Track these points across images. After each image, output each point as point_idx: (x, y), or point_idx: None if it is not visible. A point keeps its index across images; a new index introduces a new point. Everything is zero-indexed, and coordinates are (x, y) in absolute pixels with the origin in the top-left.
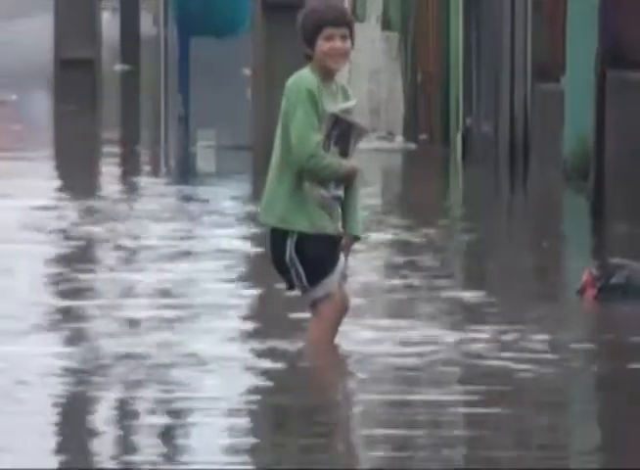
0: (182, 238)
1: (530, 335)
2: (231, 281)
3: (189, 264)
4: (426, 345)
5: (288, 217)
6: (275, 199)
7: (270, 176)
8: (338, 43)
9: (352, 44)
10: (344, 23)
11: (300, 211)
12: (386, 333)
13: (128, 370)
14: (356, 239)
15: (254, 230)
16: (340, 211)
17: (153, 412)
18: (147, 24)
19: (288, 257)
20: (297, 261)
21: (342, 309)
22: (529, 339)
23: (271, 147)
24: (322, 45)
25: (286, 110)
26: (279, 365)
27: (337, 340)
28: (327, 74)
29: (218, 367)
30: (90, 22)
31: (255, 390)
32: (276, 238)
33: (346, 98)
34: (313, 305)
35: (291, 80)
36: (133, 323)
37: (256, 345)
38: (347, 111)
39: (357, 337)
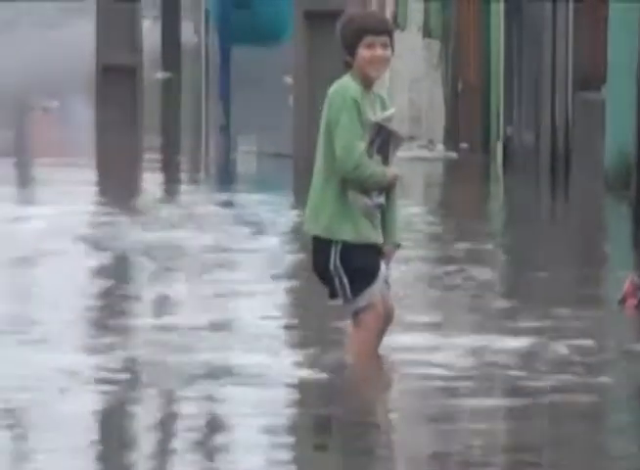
0: (222, 247)
1: (571, 343)
2: (272, 291)
3: (229, 274)
4: (471, 354)
5: (333, 226)
6: (319, 208)
7: (313, 185)
8: (378, 51)
9: (392, 52)
10: (385, 30)
11: (345, 219)
12: (432, 342)
13: (169, 382)
14: (397, 247)
15: (295, 238)
16: (380, 218)
17: (192, 428)
18: (188, 32)
19: (332, 266)
20: (342, 271)
21: (386, 319)
22: (570, 347)
23: (313, 155)
24: (363, 53)
25: (329, 118)
26: (321, 376)
27: (381, 350)
28: (367, 82)
29: (259, 379)
30: (132, 29)
31: (296, 402)
32: (320, 247)
33: (384, 106)
34: (355, 315)
35: (333, 89)
36: (173, 334)
37: (298, 355)
38: (388, 119)
39: (401, 345)
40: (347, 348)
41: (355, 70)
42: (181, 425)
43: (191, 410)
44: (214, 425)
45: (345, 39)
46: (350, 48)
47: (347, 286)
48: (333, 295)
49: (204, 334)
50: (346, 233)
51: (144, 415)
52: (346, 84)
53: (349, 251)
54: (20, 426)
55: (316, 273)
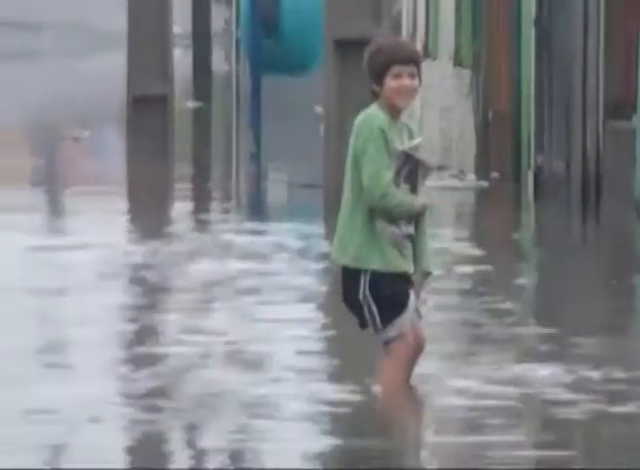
0: (253, 276)
1: (600, 371)
2: (302, 320)
3: (259, 303)
4: (505, 384)
5: (361, 256)
6: (348, 237)
7: (341, 215)
8: (406, 81)
9: (420, 82)
10: (412, 60)
11: (374, 249)
12: (465, 371)
13: (201, 413)
14: (428, 275)
15: (325, 268)
16: (410, 248)
17: (225, 460)
18: (219, 61)
19: (361, 295)
20: (371, 300)
21: (417, 349)
22: (599, 375)
23: (341, 185)
24: (390, 83)
25: (356, 148)
26: (352, 408)
27: (412, 380)
28: (394, 112)
29: (291, 409)
30: (163, 58)
31: (328, 433)
32: (349, 276)
33: (411, 135)
34: (386, 345)
35: (361, 118)
36: (206, 364)
37: (329, 386)
38: (415, 148)
39: (430, 373)
40: (378, 378)
41: (382, 99)
42: (213, 459)
43: (221, 443)
44: (245, 458)
45: (373, 69)
46: (378, 78)
47: (377, 315)
48: (363, 325)
49: (236, 363)
50: (375, 262)
51: (177, 445)
52: (374, 114)
53: (378, 280)
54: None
55: (346, 303)
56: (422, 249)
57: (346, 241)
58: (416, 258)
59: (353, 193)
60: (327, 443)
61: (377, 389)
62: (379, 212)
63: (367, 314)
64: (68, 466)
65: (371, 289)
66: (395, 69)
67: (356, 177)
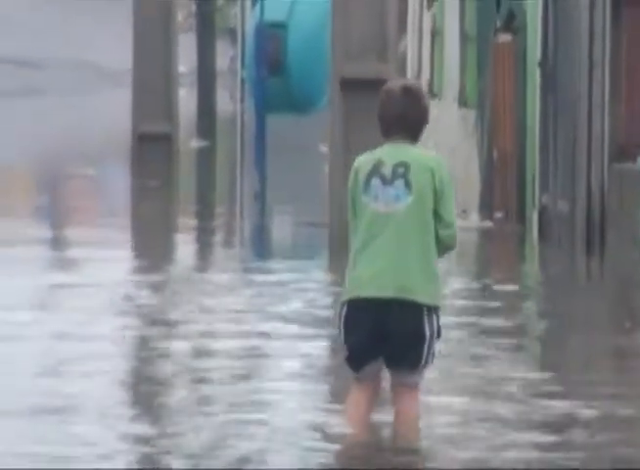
0: (258, 318)
1: (612, 412)
2: (315, 367)
3: (266, 346)
4: (517, 427)
5: (439, 293)
6: (428, 275)
7: (407, 252)
8: None
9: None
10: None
11: (440, 287)
12: (483, 407)
13: (213, 458)
14: None
15: (333, 308)
16: None
17: None
18: (223, 101)
19: (432, 332)
20: (436, 338)
21: None
22: (611, 418)
23: (346, 224)
24: None
25: (436, 187)
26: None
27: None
28: None
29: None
30: (167, 97)
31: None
32: (419, 312)
33: None
34: (410, 384)
35: (435, 159)
36: (215, 404)
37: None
38: None
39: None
40: (411, 410)
41: None
42: None
43: None
44: None
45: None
46: None
47: (433, 354)
48: (412, 366)
49: (244, 404)
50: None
51: None
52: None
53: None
54: None
55: (399, 338)
56: None
57: (426, 277)
58: None
59: (427, 228)
60: None
61: (414, 419)
62: (443, 252)
63: (425, 351)
64: None
65: (438, 326)
66: None
67: (429, 213)
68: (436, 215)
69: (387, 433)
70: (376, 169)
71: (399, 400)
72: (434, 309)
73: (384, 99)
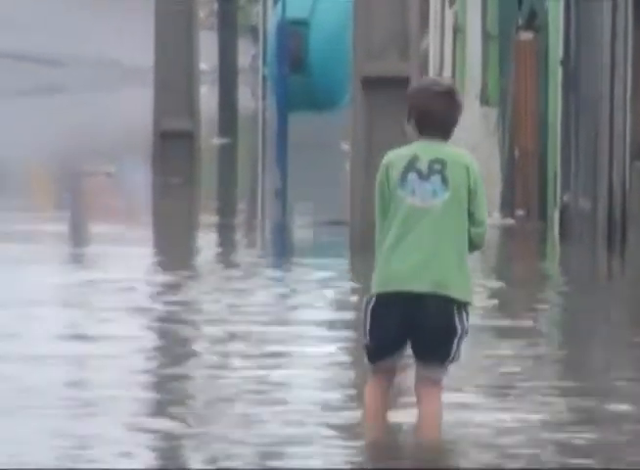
0: (278, 318)
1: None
2: (337, 363)
3: (285, 349)
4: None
5: (470, 289)
6: (462, 271)
7: (442, 247)
8: None
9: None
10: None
11: (471, 284)
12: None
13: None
14: None
15: (354, 306)
16: None
17: None
18: (245, 98)
19: (463, 327)
20: (465, 335)
21: None
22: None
23: (368, 222)
24: None
25: (470, 185)
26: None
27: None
28: None
29: (331, 440)
30: (189, 94)
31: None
32: (450, 309)
33: None
34: (436, 379)
35: (469, 157)
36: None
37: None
38: None
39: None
40: (431, 408)
41: None
42: None
43: None
44: None
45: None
46: None
47: (460, 349)
48: (441, 360)
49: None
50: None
51: None
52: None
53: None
54: None
55: (433, 337)
56: None
57: (460, 273)
58: None
59: (462, 225)
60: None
61: (438, 416)
62: (473, 250)
63: (455, 347)
64: None
65: (468, 323)
66: None
67: (464, 211)
68: (469, 213)
69: (404, 430)
70: (412, 165)
71: (425, 398)
72: (464, 306)
73: (424, 96)
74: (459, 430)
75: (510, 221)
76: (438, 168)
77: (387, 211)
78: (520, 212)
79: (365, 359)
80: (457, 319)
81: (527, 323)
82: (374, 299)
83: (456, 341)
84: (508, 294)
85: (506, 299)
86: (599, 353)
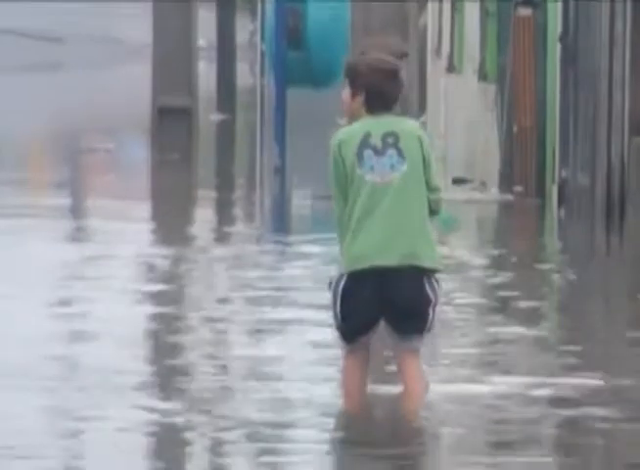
0: (274, 299)
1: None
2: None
3: (285, 319)
4: (520, 402)
5: (439, 258)
6: (428, 240)
7: (407, 219)
8: None
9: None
10: None
11: (438, 251)
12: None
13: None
14: None
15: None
16: None
17: None
18: (243, 74)
19: (436, 296)
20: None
21: None
22: (620, 389)
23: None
24: None
25: (424, 154)
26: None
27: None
28: None
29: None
30: (187, 71)
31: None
32: (421, 278)
33: None
34: (414, 349)
35: (418, 127)
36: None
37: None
38: None
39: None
40: (417, 378)
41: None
42: None
43: None
44: None
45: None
46: None
47: (434, 317)
48: (419, 331)
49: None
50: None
51: None
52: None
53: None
54: None
55: (405, 305)
56: None
57: (428, 244)
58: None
59: (423, 195)
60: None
61: (421, 388)
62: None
63: (431, 316)
64: None
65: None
66: None
67: (422, 181)
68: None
69: (384, 404)
70: (365, 142)
71: (407, 370)
72: (434, 273)
73: (377, 77)
74: (447, 402)
75: (508, 197)
76: (392, 142)
77: (343, 189)
78: (518, 188)
79: (339, 340)
80: (429, 288)
81: (529, 303)
82: (345, 278)
83: (431, 309)
84: (505, 269)
85: (504, 275)
86: (591, 323)
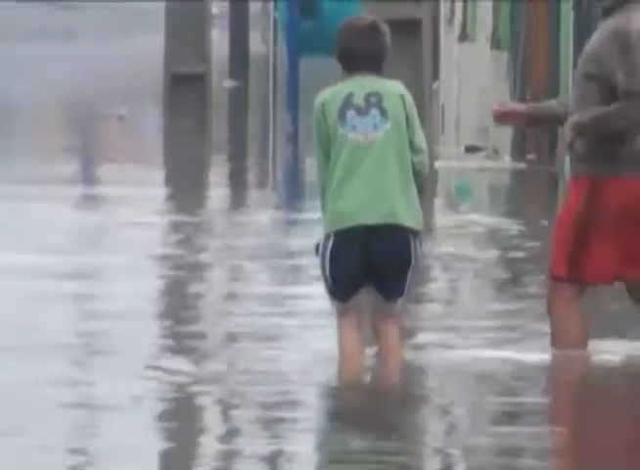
0: (287, 269)
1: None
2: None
3: (296, 286)
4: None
5: (421, 220)
6: (410, 200)
7: (390, 178)
8: None
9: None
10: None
11: (420, 212)
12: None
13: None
14: None
15: None
16: None
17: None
18: (256, 42)
19: (417, 260)
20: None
21: None
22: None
23: None
24: None
25: (407, 114)
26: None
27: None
28: None
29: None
30: (200, 38)
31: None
32: (407, 240)
33: None
34: (392, 312)
35: (401, 86)
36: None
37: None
38: None
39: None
40: (395, 342)
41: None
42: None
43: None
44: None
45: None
46: None
47: (411, 282)
48: (400, 293)
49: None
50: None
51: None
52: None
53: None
54: None
55: (393, 267)
56: None
57: (410, 203)
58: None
59: (405, 154)
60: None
61: (399, 353)
62: (420, 177)
63: (409, 278)
64: None
65: (422, 253)
66: None
67: (405, 141)
68: (409, 142)
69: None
70: (348, 102)
71: (385, 332)
72: (417, 235)
73: (346, 34)
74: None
75: (521, 165)
76: (375, 101)
77: (326, 149)
78: (530, 156)
79: (331, 302)
80: (412, 249)
81: (531, 261)
82: (332, 237)
83: (410, 272)
84: (515, 237)
85: (516, 244)
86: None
